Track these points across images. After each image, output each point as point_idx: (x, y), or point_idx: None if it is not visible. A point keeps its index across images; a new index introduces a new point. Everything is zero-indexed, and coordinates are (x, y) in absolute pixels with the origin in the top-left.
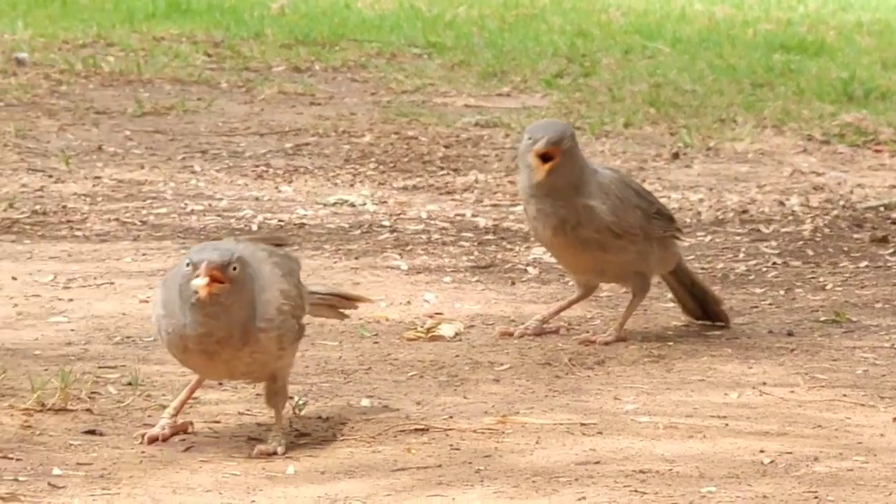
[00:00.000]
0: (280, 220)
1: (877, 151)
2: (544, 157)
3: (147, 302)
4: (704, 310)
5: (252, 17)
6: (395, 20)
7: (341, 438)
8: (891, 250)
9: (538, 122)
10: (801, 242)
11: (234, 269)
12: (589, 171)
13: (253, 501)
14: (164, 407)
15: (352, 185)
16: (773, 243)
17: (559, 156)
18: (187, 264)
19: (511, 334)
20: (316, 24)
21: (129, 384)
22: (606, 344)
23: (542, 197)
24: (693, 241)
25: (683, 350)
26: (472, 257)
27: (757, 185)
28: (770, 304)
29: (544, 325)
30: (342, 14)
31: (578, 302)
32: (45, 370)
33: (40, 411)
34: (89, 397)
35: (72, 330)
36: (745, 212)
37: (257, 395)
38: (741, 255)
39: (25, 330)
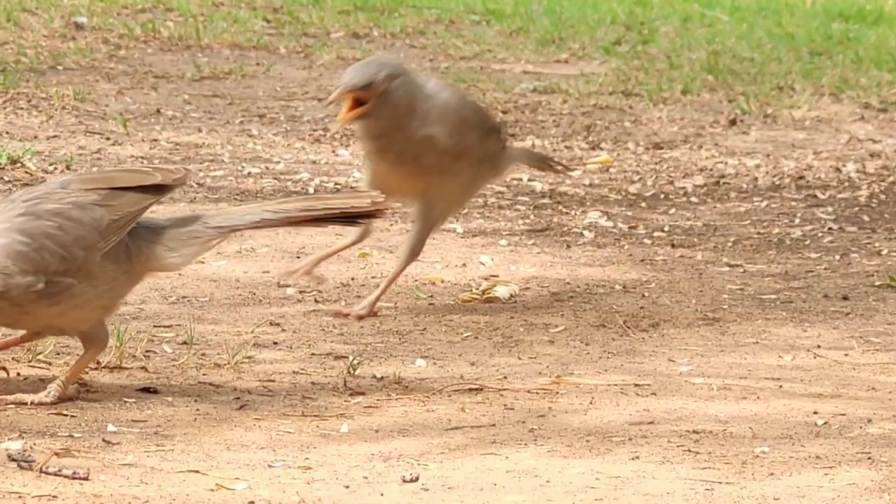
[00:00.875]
0: (336, 184)
1: None
2: (357, 102)
3: (202, 262)
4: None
5: None
6: None
7: (395, 398)
8: None
9: (356, 63)
10: (856, 208)
11: None
12: (423, 97)
13: (307, 459)
14: (219, 366)
15: None
16: (829, 209)
17: (371, 102)
18: None
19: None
20: None
21: (184, 343)
22: (361, 318)
23: (376, 137)
24: (749, 207)
25: (737, 313)
26: (527, 221)
27: (814, 151)
28: (825, 269)
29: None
30: None
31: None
32: None
33: (95, 369)
34: (144, 356)
35: None
36: (801, 178)
37: (312, 354)
38: (797, 221)
39: None
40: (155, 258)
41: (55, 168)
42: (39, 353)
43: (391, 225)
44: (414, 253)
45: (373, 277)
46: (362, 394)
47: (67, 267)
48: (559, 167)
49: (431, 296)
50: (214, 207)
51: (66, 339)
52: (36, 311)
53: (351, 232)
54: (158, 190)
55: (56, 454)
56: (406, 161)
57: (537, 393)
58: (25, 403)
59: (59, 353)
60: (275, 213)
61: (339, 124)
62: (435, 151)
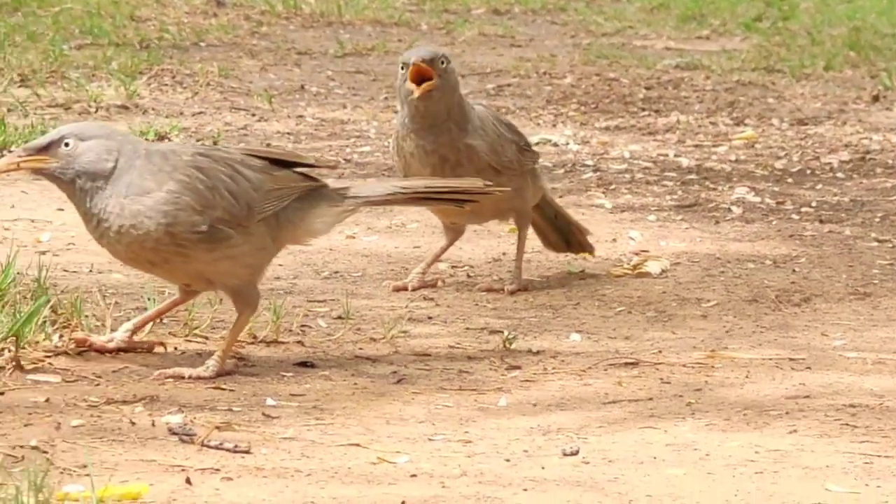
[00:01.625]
0: None
1: None
2: (420, 81)
3: (353, 238)
4: (567, 240)
5: None
6: None
7: (552, 371)
8: None
9: (410, 49)
10: None
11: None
12: (468, 106)
13: (467, 433)
14: (375, 340)
15: (554, 126)
16: None
17: (435, 77)
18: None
19: (406, 288)
20: None
21: (339, 318)
22: (513, 293)
23: (423, 131)
24: (893, 183)
25: (889, 288)
26: (675, 196)
27: None
28: None
29: (426, 278)
30: None
31: (448, 248)
32: None
33: (252, 343)
34: (300, 330)
35: (280, 265)
36: None
37: (466, 328)
38: None
39: None
40: (297, 228)
41: (202, 144)
42: (196, 328)
43: None
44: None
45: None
46: (519, 368)
47: (231, 216)
48: None
49: (583, 270)
50: (349, 181)
51: (221, 313)
52: (193, 254)
53: (445, 235)
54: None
55: (217, 428)
56: (446, 169)
57: (693, 367)
58: (184, 377)
59: (214, 328)
60: (403, 188)
61: (421, 91)
62: (476, 164)
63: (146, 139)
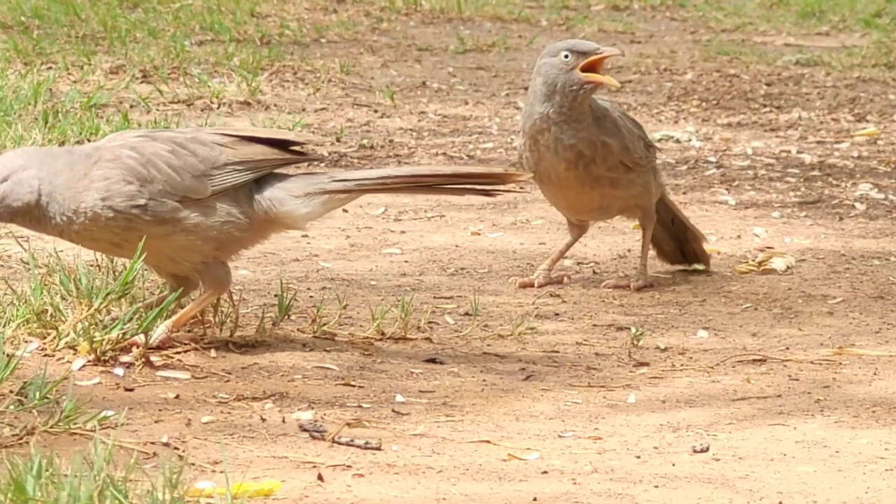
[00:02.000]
0: None
1: None
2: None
3: (478, 235)
4: (682, 250)
5: None
6: None
7: (680, 368)
8: None
9: (566, 41)
10: None
11: None
12: (601, 103)
13: (596, 430)
14: (502, 337)
15: (676, 122)
16: None
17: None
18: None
19: (532, 285)
20: None
21: (467, 314)
22: (639, 289)
23: (566, 124)
24: None
25: None
26: (798, 193)
27: None
28: None
29: (552, 275)
30: None
31: (573, 245)
32: (382, 300)
33: (380, 340)
34: (428, 327)
35: (405, 261)
36: None
37: (593, 325)
38: None
39: (360, 261)
40: (277, 207)
41: (325, 140)
42: (324, 325)
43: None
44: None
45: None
46: (646, 364)
47: (173, 189)
48: None
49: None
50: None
51: (350, 310)
52: (145, 229)
53: (570, 232)
54: (291, 152)
55: (347, 424)
56: (580, 166)
57: (820, 364)
58: (138, 344)
59: (342, 325)
60: (402, 173)
61: (615, 81)
62: (609, 161)
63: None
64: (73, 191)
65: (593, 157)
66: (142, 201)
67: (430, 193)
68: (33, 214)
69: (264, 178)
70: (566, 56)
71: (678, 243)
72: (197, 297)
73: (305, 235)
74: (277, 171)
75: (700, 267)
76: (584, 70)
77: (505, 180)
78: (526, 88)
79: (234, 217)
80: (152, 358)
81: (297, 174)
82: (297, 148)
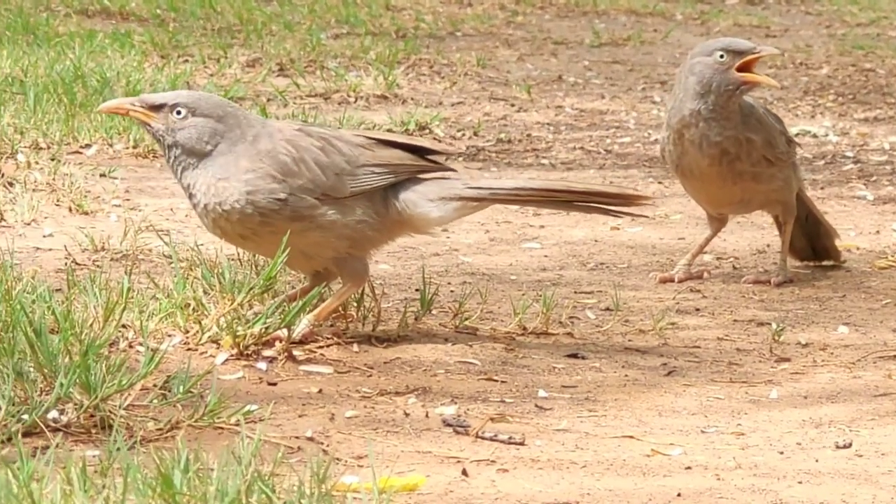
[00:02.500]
0: None
1: None
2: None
3: (617, 229)
4: (813, 246)
5: None
6: None
7: (821, 364)
8: None
9: (720, 40)
10: None
11: None
12: (746, 99)
13: (739, 425)
14: (643, 332)
15: (812, 117)
16: None
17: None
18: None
19: (672, 280)
20: None
21: (608, 309)
22: (779, 285)
23: (714, 122)
24: None
25: None
26: None
27: None
28: None
29: (692, 270)
30: None
31: (712, 239)
32: (523, 295)
33: (522, 335)
34: (569, 322)
35: (545, 256)
36: None
37: (734, 320)
38: None
39: (499, 256)
40: (410, 209)
41: (462, 134)
42: (466, 319)
43: None
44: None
45: None
46: (788, 360)
47: (315, 186)
48: None
49: (845, 261)
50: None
51: (491, 305)
52: (279, 224)
53: (709, 226)
54: (425, 160)
55: (491, 419)
56: (724, 162)
57: None
58: (281, 339)
59: (483, 319)
60: (536, 186)
61: (774, 81)
62: (753, 157)
63: (406, 130)
64: (224, 171)
65: (738, 153)
66: (282, 195)
67: (559, 209)
68: (189, 160)
69: (401, 182)
70: (721, 56)
71: (809, 239)
72: (336, 290)
73: (445, 230)
74: (415, 177)
75: (829, 263)
76: (739, 70)
77: (632, 201)
78: (662, 83)
79: (368, 216)
80: (295, 352)
81: (431, 179)
82: (432, 157)
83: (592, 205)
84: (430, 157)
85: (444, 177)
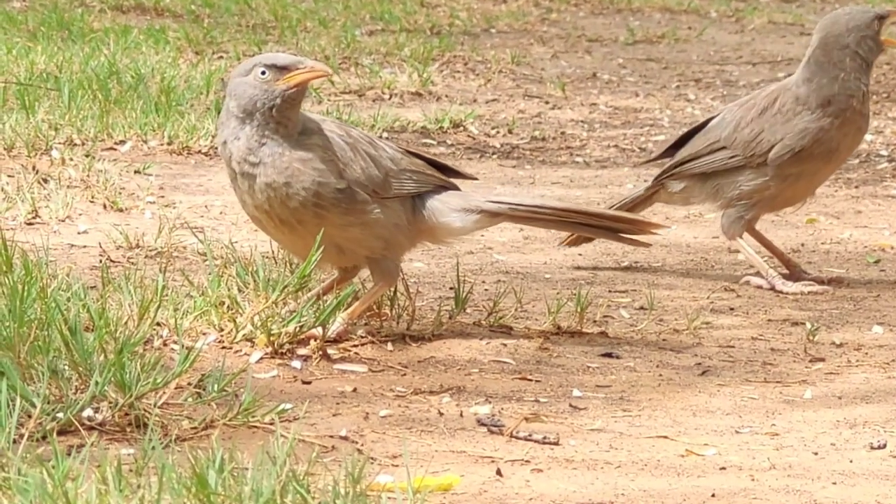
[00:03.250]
0: None
1: None
2: None
3: None
4: None
5: None
6: None
7: (856, 364)
8: None
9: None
10: None
11: None
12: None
13: (773, 425)
14: (678, 331)
15: None
16: None
17: None
18: None
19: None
20: None
21: (642, 308)
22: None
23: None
24: None
25: None
26: None
27: None
28: None
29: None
30: None
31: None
32: (557, 293)
33: (556, 334)
34: (603, 321)
35: (579, 254)
36: None
37: (768, 320)
38: None
39: (533, 254)
40: (433, 219)
41: (497, 132)
42: (501, 318)
43: (836, 191)
44: None
45: (822, 244)
46: (822, 360)
47: (368, 181)
48: None
49: (878, 261)
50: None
51: (526, 303)
52: (329, 216)
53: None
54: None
55: (525, 419)
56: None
57: None
58: (316, 336)
59: (517, 318)
60: (554, 205)
61: None
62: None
63: (441, 127)
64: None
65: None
66: (342, 185)
67: (575, 231)
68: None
69: (428, 192)
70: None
71: None
72: (369, 289)
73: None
74: (439, 189)
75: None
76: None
77: (646, 229)
78: (697, 81)
79: (402, 220)
80: (329, 351)
81: (453, 192)
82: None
83: (606, 229)
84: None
85: (466, 191)
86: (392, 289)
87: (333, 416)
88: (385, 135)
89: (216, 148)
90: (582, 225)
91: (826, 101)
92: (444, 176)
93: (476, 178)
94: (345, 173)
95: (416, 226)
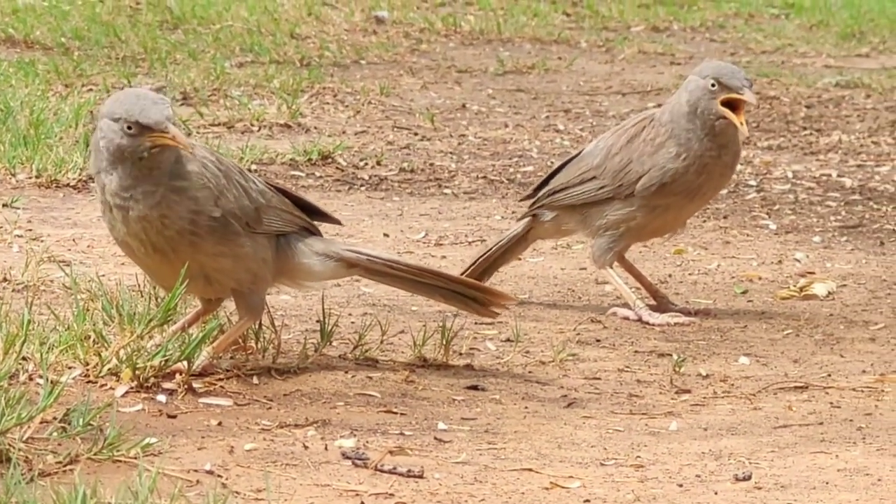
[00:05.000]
0: None
1: None
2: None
3: (519, 260)
4: None
5: None
6: None
7: (722, 395)
8: None
9: (713, 63)
10: None
11: None
12: None
13: (638, 457)
14: (544, 363)
15: None
16: None
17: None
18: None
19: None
20: None
21: (508, 340)
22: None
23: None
24: None
25: None
26: (839, 217)
27: None
28: None
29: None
30: None
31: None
32: (423, 326)
33: (422, 366)
34: (469, 353)
35: None
36: None
37: (635, 351)
38: None
39: None
40: (295, 260)
41: (365, 163)
42: (366, 351)
43: (704, 221)
44: None
45: (690, 274)
46: (688, 391)
47: (241, 212)
48: None
49: (745, 291)
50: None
51: (391, 337)
52: (203, 244)
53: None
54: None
55: (390, 452)
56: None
57: (862, 391)
58: (181, 371)
59: (383, 351)
60: (410, 264)
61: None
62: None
63: (309, 159)
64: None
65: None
66: (217, 213)
67: (427, 295)
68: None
69: (291, 232)
70: (713, 84)
71: None
72: (235, 323)
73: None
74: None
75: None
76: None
77: (497, 301)
78: (566, 111)
79: (269, 256)
80: (195, 385)
81: (315, 236)
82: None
83: (458, 295)
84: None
85: (327, 237)
86: (257, 323)
87: (198, 449)
88: (254, 167)
89: (84, 181)
90: (435, 288)
91: (678, 145)
92: (308, 217)
93: (341, 224)
94: (219, 202)
95: (278, 265)
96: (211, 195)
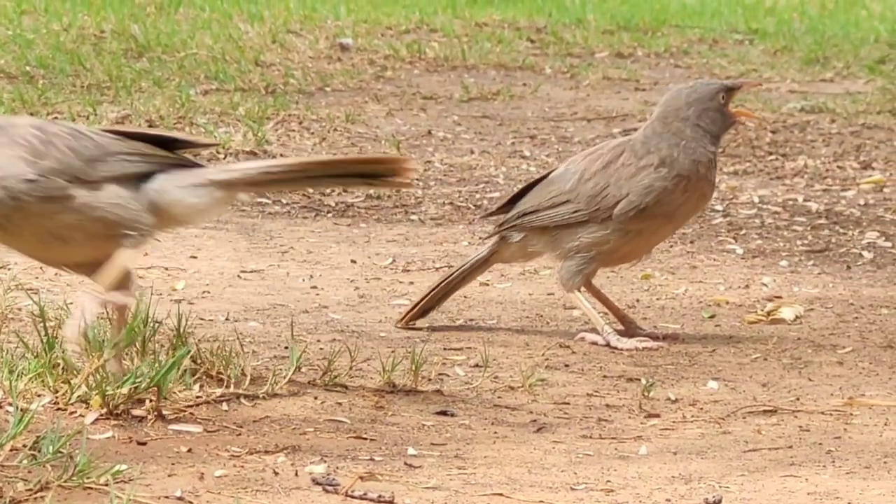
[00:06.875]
0: None
1: None
2: None
3: (487, 285)
4: None
5: (574, 3)
6: (716, 6)
7: (691, 419)
8: None
9: (702, 80)
10: None
11: None
12: None
13: (608, 481)
14: (513, 388)
15: None
16: None
17: None
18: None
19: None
20: (637, 10)
21: (477, 366)
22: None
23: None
24: None
25: None
26: (806, 241)
27: None
28: None
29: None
30: (663, 0)
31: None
32: (392, 352)
33: (391, 392)
34: (439, 378)
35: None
36: None
37: (604, 376)
38: None
39: (369, 312)
40: (164, 196)
41: (332, 190)
42: (335, 377)
43: (671, 246)
44: None
45: (657, 299)
46: (657, 416)
47: (65, 168)
48: None
49: (713, 316)
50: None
51: (361, 362)
52: (29, 207)
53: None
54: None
55: (360, 478)
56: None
57: (831, 414)
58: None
59: (352, 377)
60: (287, 162)
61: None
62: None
63: None
64: None
65: None
66: (31, 176)
67: (317, 186)
68: None
69: (152, 172)
70: None
71: None
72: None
73: (315, 287)
74: (166, 167)
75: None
76: None
77: (397, 170)
78: (532, 137)
79: (127, 201)
80: (164, 411)
81: (182, 168)
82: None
83: (358, 176)
84: (183, 149)
85: (197, 165)
86: (138, 253)
87: (168, 476)
88: None
89: None
90: (330, 177)
91: (662, 161)
92: (175, 153)
93: (217, 144)
94: (35, 165)
95: (151, 208)
96: (20, 162)
